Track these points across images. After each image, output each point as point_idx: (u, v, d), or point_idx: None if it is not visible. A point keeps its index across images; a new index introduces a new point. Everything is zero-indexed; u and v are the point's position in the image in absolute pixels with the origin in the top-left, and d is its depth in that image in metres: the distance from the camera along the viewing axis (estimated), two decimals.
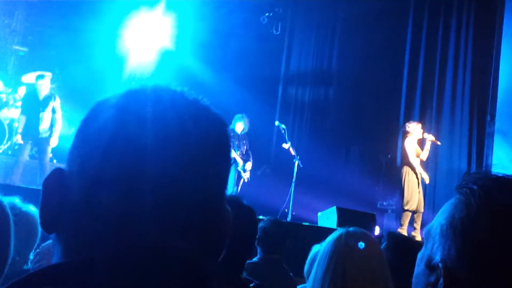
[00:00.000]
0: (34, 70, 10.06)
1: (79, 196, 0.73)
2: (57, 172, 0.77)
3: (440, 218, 0.96)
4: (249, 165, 8.80)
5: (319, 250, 2.15)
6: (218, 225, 0.78)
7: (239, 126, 8.72)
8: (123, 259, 0.69)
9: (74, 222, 0.73)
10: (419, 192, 8.14)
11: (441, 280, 0.90)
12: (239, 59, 11.75)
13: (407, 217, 8.04)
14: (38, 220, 2.56)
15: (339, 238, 2.00)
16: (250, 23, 11.82)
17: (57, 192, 0.76)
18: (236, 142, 8.66)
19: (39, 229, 2.69)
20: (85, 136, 0.77)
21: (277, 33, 12.05)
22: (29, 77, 9.72)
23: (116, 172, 0.72)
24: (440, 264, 0.91)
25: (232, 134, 8.43)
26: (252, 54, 11.88)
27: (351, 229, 2.06)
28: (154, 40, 10.87)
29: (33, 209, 2.66)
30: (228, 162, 0.80)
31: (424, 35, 10.25)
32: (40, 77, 8.38)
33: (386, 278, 1.99)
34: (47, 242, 2.83)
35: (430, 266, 0.94)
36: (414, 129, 8.24)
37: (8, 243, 1.61)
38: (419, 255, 1.01)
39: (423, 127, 8.48)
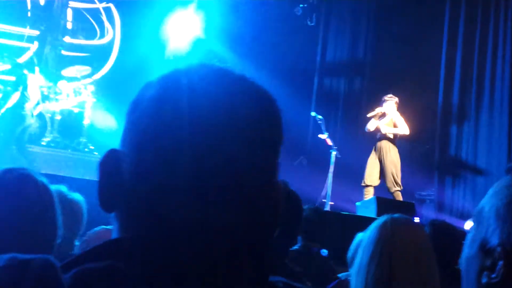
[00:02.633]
0: (74, 65, 10.26)
1: (130, 175, 0.76)
2: (111, 152, 0.80)
3: (493, 200, 0.93)
4: None
5: (363, 237, 2.14)
6: (271, 198, 0.79)
7: None
8: (172, 235, 0.72)
9: (127, 200, 0.76)
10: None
11: (500, 264, 0.88)
12: (274, 51, 11.72)
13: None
14: (83, 207, 2.59)
15: (384, 225, 1.98)
16: (284, 15, 11.77)
17: (111, 172, 0.78)
18: None
19: (85, 215, 2.76)
20: (133, 116, 0.79)
21: (312, 24, 11.97)
22: (69, 71, 9.91)
23: (162, 149, 0.74)
24: (498, 248, 0.89)
25: None
26: (287, 46, 11.84)
27: (396, 215, 2.04)
28: (190, 34, 10.94)
29: (78, 197, 2.73)
30: (279, 134, 0.81)
31: (462, 24, 10.07)
32: None
33: (432, 265, 1.97)
34: (94, 230, 2.90)
35: (485, 250, 0.92)
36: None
37: (55, 223, 1.66)
38: (469, 237, 0.98)
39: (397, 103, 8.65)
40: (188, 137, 0.73)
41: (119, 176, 0.77)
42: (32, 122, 8.52)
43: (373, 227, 2.02)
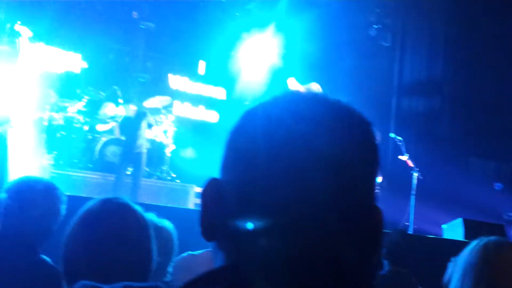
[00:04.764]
0: (154, 95, 10.58)
1: (234, 204, 0.77)
2: (213, 181, 0.82)
3: None
4: None
5: (458, 261, 2.06)
6: (371, 221, 0.79)
7: None
8: (275, 263, 0.73)
9: (231, 229, 0.77)
10: None
11: None
12: (350, 74, 11.67)
13: None
14: (174, 234, 2.63)
15: (485, 247, 1.90)
16: (358, 38, 11.72)
17: (214, 201, 0.80)
18: None
19: (175, 242, 2.82)
20: (235, 145, 0.81)
21: (387, 44, 11.84)
22: (151, 102, 10.23)
23: (268, 182, 0.75)
24: None
25: None
26: (362, 68, 11.76)
27: (492, 238, 1.96)
28: (265, 61, 11.05)
29: (168, 224, 2.79)
30: (377, 161, 0.81)
31: None
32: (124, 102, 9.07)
33: None
34: (181, 256, 2.96)
35: None
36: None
37: (151, 250, 1.71)
38: None
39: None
40: (283, 170, 0.74)
41: (222, 205, 0.79)
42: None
43: (471, 250, 1.94)
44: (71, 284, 1.47)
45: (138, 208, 1.74)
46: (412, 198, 8.24)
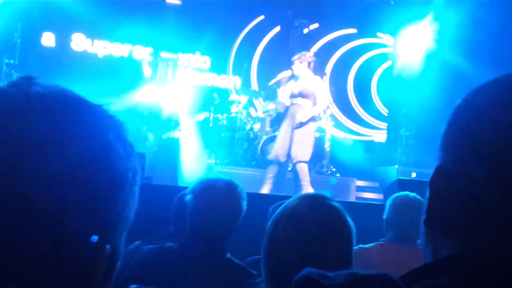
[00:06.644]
0: None
1: (463, 193, 0.74)
2: (440, 169, 0.78)
3: None
4: None
5: None
6: None
7: None
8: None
9: (463, 217, 0.74)
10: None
11: None
12: None
13: None
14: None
15: None
16: None
17: (441, 190, 0.76)
18: None
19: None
20: (463, 131, 0.76)
21: None
22: None
23: (499, 174, 0.70)
24: None
25: None
26: None
27: None
28: (421, 46, 10.75)
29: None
30: None
31: None
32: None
33: None
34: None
35: None
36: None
37: (351, 248, 1.71)
38: None
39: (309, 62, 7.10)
40: None
41: (451, 194, 0.75)
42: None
43: None
44: (271, 282, 1.53)
45: (336, 204, 1.73)
46: None
